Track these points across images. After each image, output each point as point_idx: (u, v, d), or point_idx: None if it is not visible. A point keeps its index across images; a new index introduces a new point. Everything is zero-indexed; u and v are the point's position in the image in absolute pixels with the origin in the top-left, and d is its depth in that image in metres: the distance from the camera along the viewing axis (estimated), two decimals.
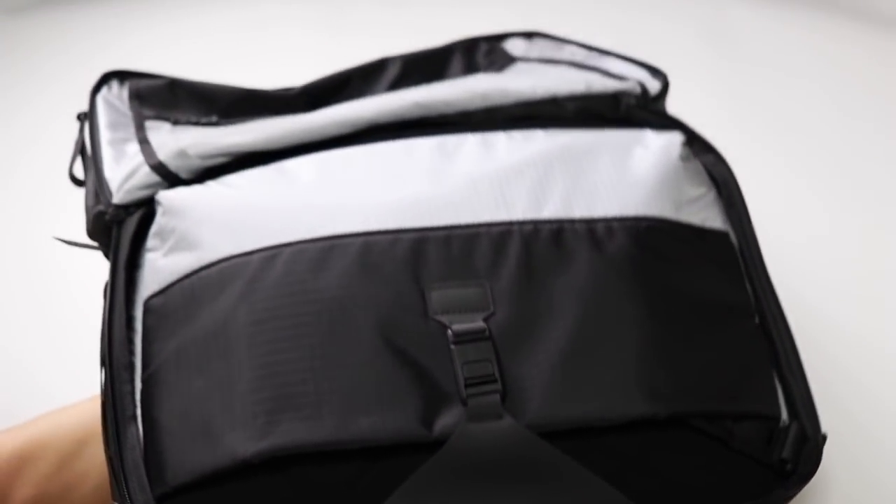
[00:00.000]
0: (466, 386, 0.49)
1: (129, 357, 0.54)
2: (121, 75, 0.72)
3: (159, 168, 0.59)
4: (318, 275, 0.52)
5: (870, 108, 1.01)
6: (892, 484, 0.74)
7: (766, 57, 1.05)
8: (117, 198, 0.59)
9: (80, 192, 0.88)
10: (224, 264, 0.53)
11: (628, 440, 0.51)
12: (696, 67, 1.04)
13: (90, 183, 0.65)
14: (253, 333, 0.51)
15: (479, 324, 0.51)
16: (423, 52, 0.76)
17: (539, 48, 0.77)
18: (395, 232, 0.54)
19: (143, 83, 0.71)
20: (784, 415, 0.54)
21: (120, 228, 0.59)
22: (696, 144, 0.63)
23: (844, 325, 0.82)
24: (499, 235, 0.54)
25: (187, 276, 0.54)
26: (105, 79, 0.71)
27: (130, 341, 0.55)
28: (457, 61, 0.77)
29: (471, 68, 0.77)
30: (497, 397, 0.49)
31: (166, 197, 0.58)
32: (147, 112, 0.69)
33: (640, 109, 0.65)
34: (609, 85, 0.65)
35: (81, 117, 0.72)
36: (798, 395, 0.54)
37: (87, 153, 0.68)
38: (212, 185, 0.59)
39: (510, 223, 0.55)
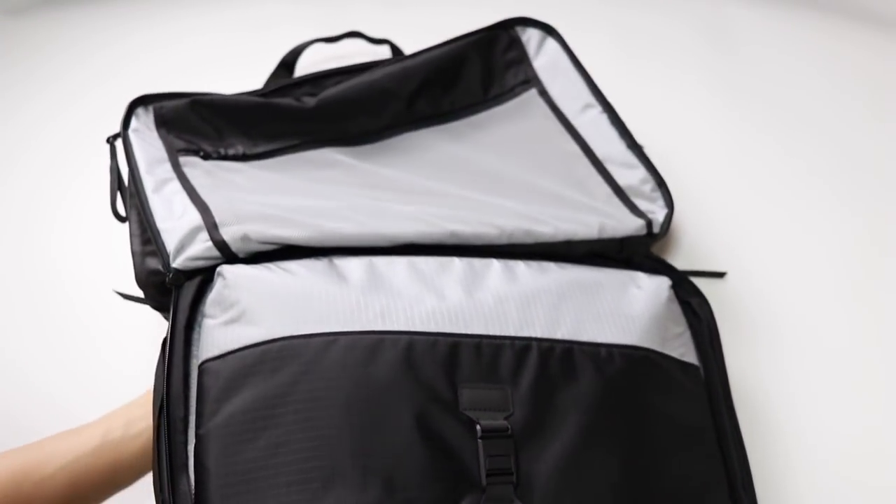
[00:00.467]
0: (488, 475, 0.58)
1: (184, 411, 0.61)
2: (145, 100, 0.79)
3: (222, 247, 0.66)
4: (369, 364, 0.61)
5: (869, 106, 1.01)
6: None
7: (764, 55, 1.06)
8: (177, 263, 0.66)
9: (80, 193, 0.94)
10: (285, 342, 0.61)
11: None
12: (695, 66, 1.05)
13: (135, 225, 0.72)
14: (309, 408, 0.59)
15: (504, 422, 0.60)
16: (439, 56, 0.86)
17: (561, 84, 0.87)
18: (436, 335, 0.63)
19: (167, 106, 0.79)
20: None
21: (179, 291, 0.66)
22: (685, 286, 0.75)
23: (841, 320, 0.83)
24: (521, 348, 0.64)
25: (248, 348, 0.62)
26: (132, 108, 0.78)
27: (185, 396, 0.62)
28: (473, 66, 0.87)
29: (488, 76, 0.88)
30: (511, 488, 0.58)
31: (231, 272, 0.65)
32: (176, 141, 0.77)
33: (638, 255, 0.77)
34: (619, 230, 0.75)
35: (111, 141, 0.79)
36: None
37: (128, 191, 0.75)
38: (273, 268, 0.66)
39: (530, 339, 0.65)
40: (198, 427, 0.60)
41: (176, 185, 0.72)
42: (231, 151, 0.78)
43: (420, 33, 0.91)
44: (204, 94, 0.80)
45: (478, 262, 0.70)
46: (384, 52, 0.97)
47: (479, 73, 0.88)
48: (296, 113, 0.81)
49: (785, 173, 0.95)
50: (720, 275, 0.86)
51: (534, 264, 0.72)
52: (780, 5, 1.09)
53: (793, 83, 1.03)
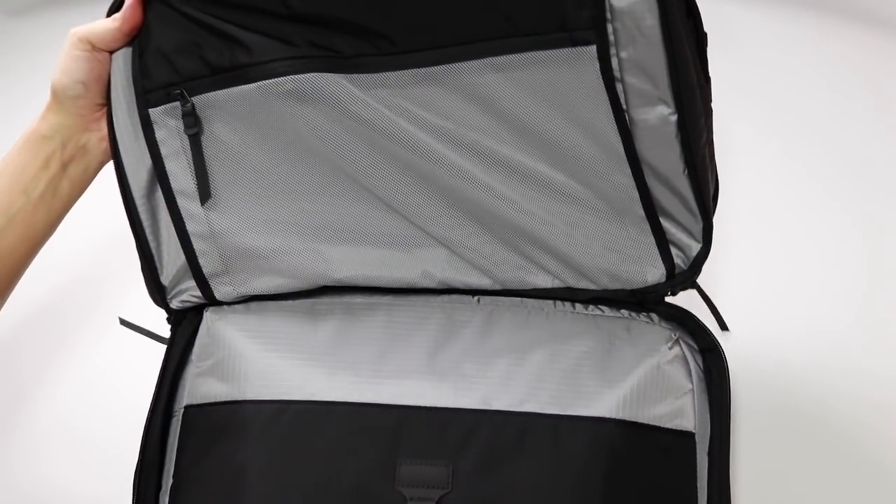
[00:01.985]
0: None
1: (159, 456, 0.67)
2: None
3: (210, 297, 0.70)
4: (314, 436, 0.63)
5: (868, 107, 1.00)
6: None
7: (763, 55, 1.05)
8: (173, 304, 0.70)
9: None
10: (247, 407, 0.65)
11: None
12: None
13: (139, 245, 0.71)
14: (261, 483, 0.62)
15: (432, 502, 0.60)
16: None
17: (637, 53, 0.60)
18: (384, 407, 0.63)
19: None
20: None
21: (176, 332, 0.71)
22: (701, 336, 0.68)
23: (841, 319, 0.83)
24: (471, 423, 0.62)
25: (221, 404, 0.66)
26: None
27: (164, 438, 0.67)
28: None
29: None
30: None
31: (212, 323, 0.69)
32: (146, 76, 0.65)
33: (651, 300, 0.69)
34: (631, 282, 0.68)
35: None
36: None
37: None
38: (251, 320, 0.69)
39: (485, 411, 0.63)
40: (174, 476, 0.66)
41: (157, 195, 0.68)
42: (203, 71, 0.65)
43: None
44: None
45: (459, 317, 0.69)
46: None
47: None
48: (269, 11, 0.63)
49: (783, 174, 0.95)
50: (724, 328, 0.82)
51: (521, 314, 0.69)
52: (779, 5, 1.08)
53: (791, 83, 1.02)
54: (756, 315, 0.86)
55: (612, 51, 0.60)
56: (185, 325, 0.71)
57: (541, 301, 0.70)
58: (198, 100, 0.65)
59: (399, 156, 0.64)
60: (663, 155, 0.64)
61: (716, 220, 0.72)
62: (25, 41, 1.12)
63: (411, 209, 0.67)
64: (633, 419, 0.63)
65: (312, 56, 0.62)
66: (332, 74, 0.62)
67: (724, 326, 0.80)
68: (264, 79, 0.63)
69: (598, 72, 0.60)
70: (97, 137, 0.69)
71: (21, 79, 1.08)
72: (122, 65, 0.65)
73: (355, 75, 0.62)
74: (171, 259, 0.70)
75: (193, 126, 0.65)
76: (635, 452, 0.63)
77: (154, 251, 0.70)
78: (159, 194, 0.69)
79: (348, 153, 0.65)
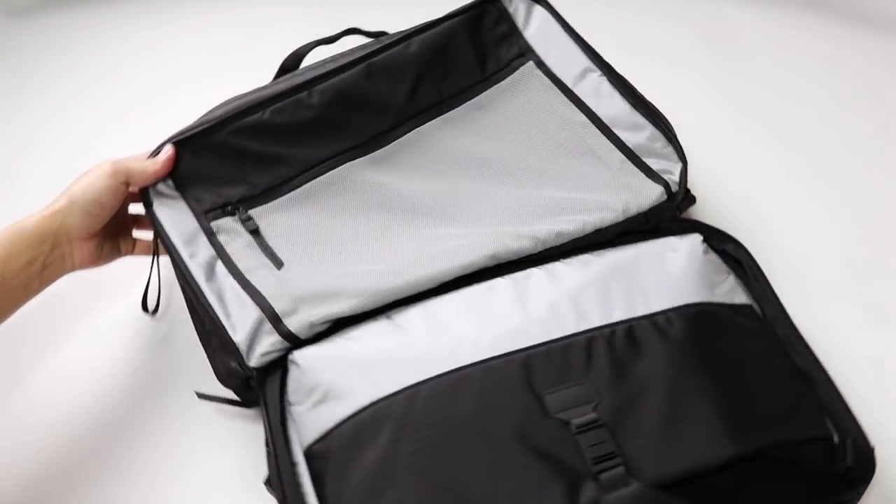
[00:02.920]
0: (594, 464, 0.62)
1: (302, 499, 0.66)
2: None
3: (290, 337, 0.71)
4: (455, 402, 0.65)
5: (866, 107, 1.01)
6: None
7: (762, 57, 1.06)
8: (253, 362, 0.71)
9: None
10: (374, 407, 0.66)
11: (725, 478, 0.64)
12: (694, 68, 1.06)
13: (204, 319, 0.75)
14: (413, 462, 0.63)
15: (593, 414, 0.64)
16: (430, 42, 0.85)
17: (556, 52, 0.88)
18: (505, 356, 0.68)
19: (181, 165, 0.79)
20: (835, 435, 0.68)
21: (264, 388, 0.71)
22: (717, 236, 0.79)
23: (843, 324, 0.80)
24: (585, 342, 0.68)
25: (344, 423, 0.67)
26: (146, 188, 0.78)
27: (298, 484, 0.67)
28: (465, 46, 0.87)
29: (482, 54, 0.87)
30: (622, 469, 0.62)
31: (303, 359, 0.71)
32: (202, 198, 0.78)
33: (664, 222, 0.81)
34: (642, 204, 0.79)
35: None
36: (844, 418, 0.68)
37: (179, 280, 0.76)
38: (339, 342, 0.72)
39: (591, 330, 0.69)
40: None
41: (222, 269, 0.75)
42: (255, 191, 0.80)
43: None
44: (204, 132, 0.79)
45: (520, 276, 0.75)
46: None
47: (472, 52, 0.87)
48: (300, 127, 0.82)
49: (783, 175, 0.96)
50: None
51: (572, 261, 0.76)
52: (778, 7, 1.11)
53: (791, 85, 1.04)
54: None
55: (542, 59, 0.88)
56: (270, 379, 0.72)
57: (580, 255, 0.78)
58: (253, 212, 0.79)
59: (440, 173, 0.83)
60: (612, 105, 0.84)
61: (715, 219, 0.83)
62: (25, 42, 1.12)
63: (454, 218, 0.80)
64: (708, 300, 0.72)
65: (338, 154, 0.82)
66: (354, 162, 0.82)
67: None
68: (306, 183, 0.81)
69: (542, 75, 0.88)
70: (81, 252, 0.76)
71: (21, 79, 1.09)
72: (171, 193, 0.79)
73: (374, 154, 0.83)
74: (242, 319, 0.72)
75: (252, 223, 0.79)
76: (724, 324, 0.71)
77: (224, 322, 0.72)
78: (221, 274, 0.75)
79: (386, 197, 0.81)
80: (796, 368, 0.71)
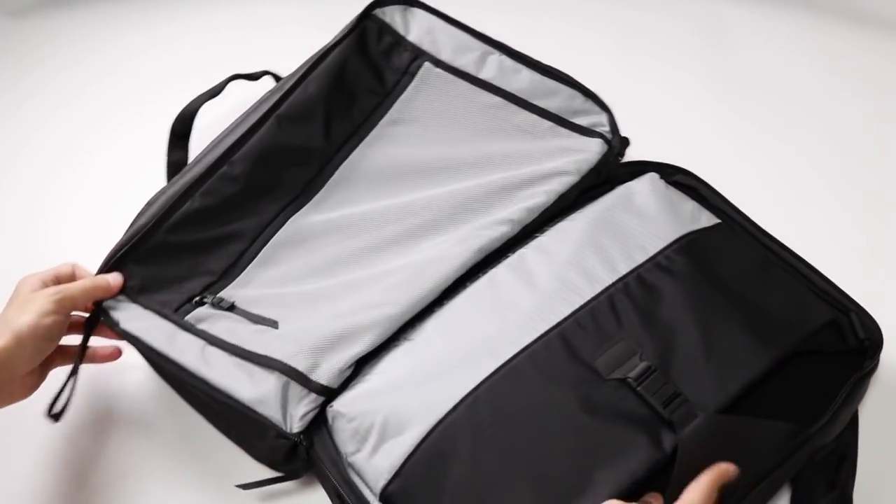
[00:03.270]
0: (664, 407, 0.65)
1: None
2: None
3: (325, 391, 0.70)
4: (515, 396, 0.67)
5: (866, 105, 1.02)
6: None
7: (760, 53, 1.07)
8: (297, 428, 0.69)
9: (77, 191, 0.98)
10: (439, 429, 0.66)
11: (770, 385, 0.70)
12: (692, 64, 1.07)
13: (222, 411, 0.72)
14: (504, 465, 0.64)
15: (644, 363, 0.67)
16: (325, 78, 0.85)
17: (448, 45, 0.88)
18: (541, 337, 0.69)
19: (132, 278, 0.76)
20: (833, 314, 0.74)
21: (314, 450, 0.70)
22: (666, 170, 0.84)
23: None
24: (607, 300, 0.71)
25: (413, 454, 0.66)
26: (104, 310, 0.75)
27: None
28: (359, 69, 0.87)
29: (377, 71, 0.87)
30: (688, 404, 0.66)
31: (345, 406, 0.69)
32: (165, 298, 0.76)
33: (613, 171, 0.84)
34: (590, 160, 0.82)
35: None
36: (839, 298, 0.75)
37: (184, 386, 0.74)
38: (372, 378, 0.71)
39: (606, 289, 0.72)
40: None
41: (217, 353, 0.72)
42: (214, 277, 0.79)
43: None
44: (140, 240, 0.77)
45: (513, 261, 0.77)
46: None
47: (368, 72, 0.88)
48: (232, 201, 0.81)
49: (782, 171, 0.97)
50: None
51: (550, 233, 0.79)
52: (776, 4, 1.12)
53: (789, 81, 1.05)
54: None
55: (437, 57, 0.88)
56: (318, 437, 0.70)
57: (555, 225, 0.80)
58: (222, 294, 0.78)
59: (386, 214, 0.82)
60: (520, 78, 0.87)
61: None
62: (22, 40, 1.13)
63: (423, 230, 0.80)
64: (690, 229, 0.77)
65: (279, 212, 0.82)
66: (298, 214, 0.82)
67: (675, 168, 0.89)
68: (261, 250, 0.81)
69: (444, 71, 0.88)
70: (22, 387, 0.71)
71: (18, 76, 1.09)
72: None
73: (314, 200, 0.83)
74: (266, 392, 0.70)
75: (226, 302, 0.77)
76: (714, 246, 0.76)
77: (248, 402, 0.70)
78: (218, 357, 0.72)
79: (346, 232, 0.81)
80: (783, 267, 0.77)
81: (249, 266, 0.80)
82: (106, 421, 0.81)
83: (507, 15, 1.10)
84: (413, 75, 0.88)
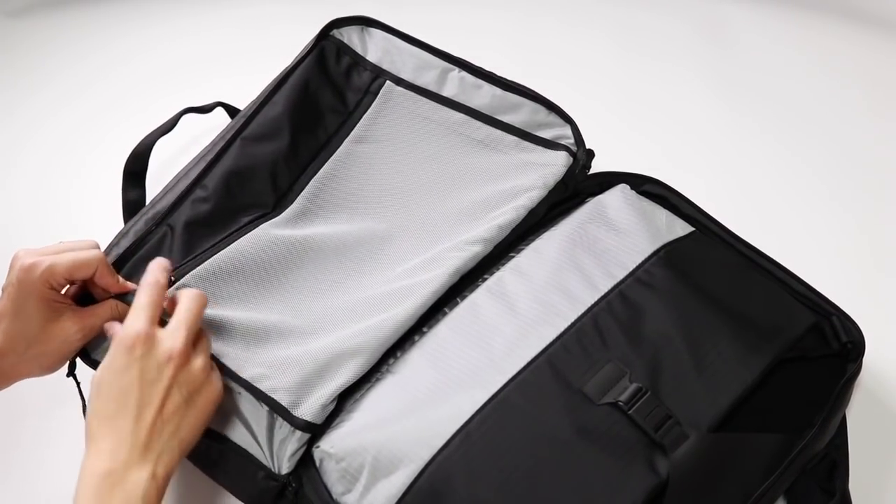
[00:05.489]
0: (655, 431, 0.65)
1: None
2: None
3: (308, 427, 0.67)
4: (508, 427, 0.65)
5: (865, 104, 1.03)
6: None
7: (760, 53, 1.08)
8: (285, 469, 0.67)
9: (78, 191, 0.98)
10: (433, 466, 0.64)
11: (759, 394, 0.69)
12: (693, 63, 1.07)
13: (209, 451, 0.70)
14: (504, 496, 0.63)
15: (634, 385, 0.66)
16: (288, 102, 0.84)
17: (408, 64, 0.87)
18: (529, 365, 0.68)
19: None
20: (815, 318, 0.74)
21: (304, 491, 0.67)
22: (633, 181, 0.83)
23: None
24: (591, 321, 0.70)
25: (407, 492, 0.64)
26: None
27: None
28: (321, 89, 0.86)
29: (339, 91, 0.86)
30: (679, 427, 0.65)
31: (333, 445, 0.67)
32: None
33: (581, 185, 0.83)
34: (556, 174, 0.80)
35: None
36: (819, 302, 0.75)
37: None
38: (357, 416, 0.69)
39: (589, 309, 0.71)
40: None
41: None
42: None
43: (420, 32, 0.91)
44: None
45: (491, 284, 0.75)
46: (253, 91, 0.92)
47: (330, 91, 0.87)
48: (204, 222, 0.78)
49: (781, 170, 0.98)
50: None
51: (526, 252, 0.77)
52: (776, 3, 1.12)
53: (789, 80, 1.05)
54: None
55: (398, 76, 0.87)
56: (308, 478, 0.68)
57: (530, 244, 0.79)
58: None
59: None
60: (482, 94, 0.86)
61: (711, 213, 0.82)
62: (25, 41, 1.14)
63: (395, 254, 0.78)
64: (667, 240, 0.76)
65: (250, 222, 0.79)
66: (268, 223, 0.79)
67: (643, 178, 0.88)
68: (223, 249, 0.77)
69: (404, 90, 0.87)
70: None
71: (21, 79, 1.10)
72: None
73: (285, 214, 0.80)
74: (256, 429, 0.68)
75: None
76: (690, 258, 0.75)
77: (239, 441, 0.69)
78: None
79: (319, 254, 0.78)
80: (761, 272, 0.77)
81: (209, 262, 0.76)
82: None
83: (508, 14, 1.09)
84: (375, 94, 0.87)
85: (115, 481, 0.58)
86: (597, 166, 0.84)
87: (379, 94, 0.87)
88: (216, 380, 0.66)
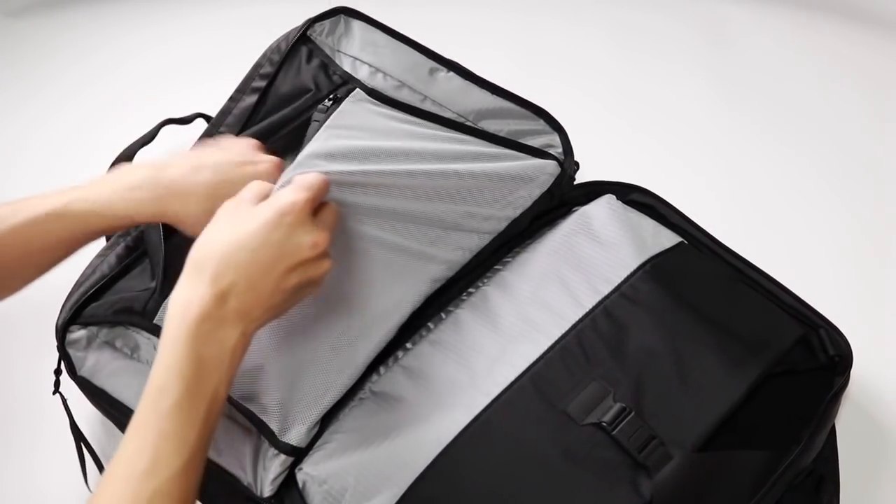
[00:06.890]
0: (639, 452, 0.64)
1: None
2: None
3: (292, 451, 0.67)
4: (492, 451, 0.65)
5: (865, 104, 1.03)
6: None
7: (760, 52, 1.08)
8: (268, 492, 0.67)
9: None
10: (416, 489, 0.64)
11: (746, 410, 0.68)
12: (693, 62, 1.07)
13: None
14: None
15: (616, 406, 0.66)
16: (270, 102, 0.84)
17: (392, 58, 0.84)
18: (512, 385, 0.68)
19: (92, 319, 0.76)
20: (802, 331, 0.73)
21: None
22: (621, 190, 0.81)
23: (844, 320, 0.76)
24: (575, 338, 0.69)
25: None
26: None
27: None
28: (297, 93, 0.84)
29: (310, 92, 0.84)
30: (663, 448, 0.64)
31: (317, 469, 0.67)
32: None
33: (567, 194, 0.82)
34: (542, 183, 0.78)
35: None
36: (807, 314, 0.74)
37: None
38: (341, 438, 0.68)
39: (573, 326, 0.70)
40: None
41: None
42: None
43: (420, 32, 0.89)
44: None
45: (475, 300, 0.75)
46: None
47: (302, 93, 0.85)
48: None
49: (781, 169, 0.97)
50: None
51: (511, 265, 0.77)
52: (776, 3, 1.12)
53: (788, 80, 1.05)
54: None
55: (369, 85, 0.82)
56: (288, 503, 0.68)
57: (516, 256, 0.78)
58: None
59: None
60: (471, 97, 0.83)
61: (715, 216, 0.83)
62: (25, 41, 1.15)
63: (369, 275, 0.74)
64: (653, 253, 0.75)
65: None
66: None
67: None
68: None
69: (374, 101, 0.78)
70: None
71: (21, 79, 1.11)
72: None
73: None
74: (240, 451, 0.68)
75: None
76: (676, 271, 0.74)
77: (224, 463, 0.69)
78: None
79: None
80: (749, 284, 0.76)
81: None
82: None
83: (508, 14, 1.09)
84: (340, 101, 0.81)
85: (212, 328, 0.57)
86: (596, 166, 0.84)
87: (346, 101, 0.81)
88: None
